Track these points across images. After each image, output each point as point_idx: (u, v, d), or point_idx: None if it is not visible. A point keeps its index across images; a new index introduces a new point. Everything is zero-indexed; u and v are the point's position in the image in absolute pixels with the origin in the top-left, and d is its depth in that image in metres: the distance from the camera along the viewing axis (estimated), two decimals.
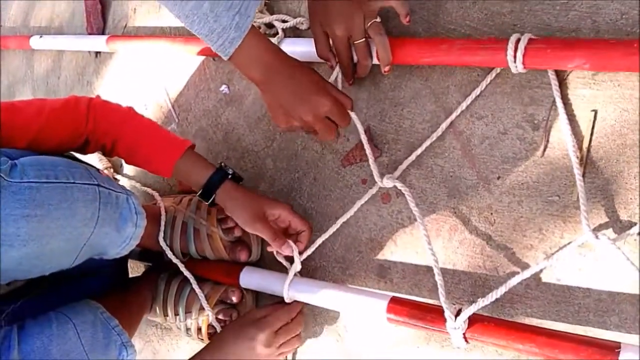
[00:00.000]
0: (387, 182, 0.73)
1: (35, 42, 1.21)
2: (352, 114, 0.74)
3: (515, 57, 0.61)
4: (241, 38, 0.65)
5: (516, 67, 0.62)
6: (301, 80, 0.69)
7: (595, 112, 0.62)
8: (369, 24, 0.68)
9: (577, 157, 0.61)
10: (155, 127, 0.82)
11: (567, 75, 0.63)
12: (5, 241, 0.58)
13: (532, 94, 0.66)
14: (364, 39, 0.70)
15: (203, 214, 0.87)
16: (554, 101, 0.63)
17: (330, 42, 0.72)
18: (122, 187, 0.76)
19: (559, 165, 0.64)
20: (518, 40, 0.61)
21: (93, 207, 0.66)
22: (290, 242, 0.78)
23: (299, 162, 0.85)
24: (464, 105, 0.69)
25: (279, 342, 0.78)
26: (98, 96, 0.81)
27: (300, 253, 0.78)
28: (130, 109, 0.82)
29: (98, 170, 0.85)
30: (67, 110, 0.75)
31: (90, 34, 1.16)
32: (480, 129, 0.69)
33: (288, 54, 0.71)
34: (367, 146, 0.74)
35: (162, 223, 0.87)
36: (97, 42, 1.08)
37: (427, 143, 0.71)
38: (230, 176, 0.79)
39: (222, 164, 0.80)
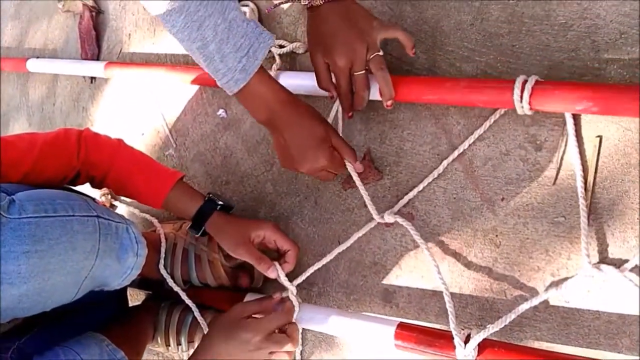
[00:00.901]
0: (388, 218, 0.72)
1: (32, 64, 1.20)
2: (350, 167, 0.74)
3: (522, 98, 0.60)
4: (246, 80, 0.64)
5: (522, 107, 0.61)
6: (302, 133, 0.69)
7: (600, 136, 0.61)
8: (371, 56, 0.67)
9: (583, 182, 0.60)
10: (145, 160, 0.82)
11: None
12: (6, 279, 0.57)
13: (533, 114, 0.65)
14: (364, 71, 0.69)
15: (204, 240, 0.86)
16: (557, 122, 0.63)
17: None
18: (121, 217, 0.75)
19: (564, 186, 0.63)
20: (524, 82, 0.60)
21: (93, 239, 0.65)
22: (276, 264, 0.77)
23: (299, 186, 0.84)
24: (466, 144, 0.69)
25: (270, 348, 0.71)
26: (87, 128, 0.80)
27: (292, 278, 0.77)
28: (121, 141, 0.82)
29: (94, 199, 0.84)
30: (58, 144, 0.75)
31: (84, 59, 1.15)
32: (483, 150, 0.69)
33: (289, 88, 0.70)
34: (362, 190, 0.74)
35: (162, 251, 0.86)
36: (95, 68, 1.08)
37: (429, 179, 0.71)
38: (219, 207, 0.79)
39: (211, 195, 0.80)
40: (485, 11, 0.69)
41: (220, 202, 0.79)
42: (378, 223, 0.74)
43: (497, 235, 0.67)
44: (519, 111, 0.62)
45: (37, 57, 1.22)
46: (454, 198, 0.70)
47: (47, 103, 1.25)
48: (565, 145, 0.63)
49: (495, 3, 0.68)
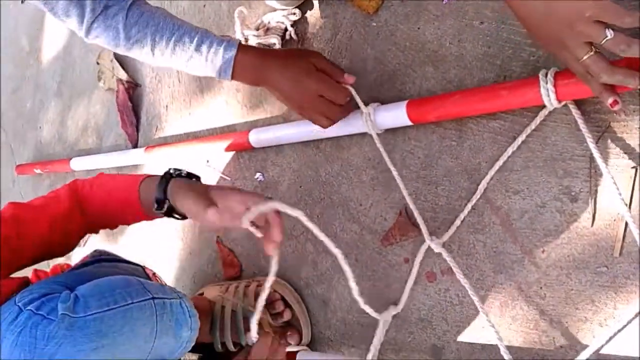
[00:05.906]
0: (435, 247, 0.74)
1: (76, 163, 1.28)
2: (351, 89, 0.78)
3: (547, 91, 0.62)
4: (230, 69, 0.75)
5: (550, 100, 0.62)
6: (289, 69, 0.75)
7: (636, 167, 0.62)
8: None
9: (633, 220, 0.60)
10: (113, 179, 0.80)
11: (599, 140, 0.64)
12: None
13: (565, 166, 0.66)
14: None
15: (251, 301, 0.89)
16: (590, 172, 0.64)
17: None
18: (173, 290, 0.78)
19: (603, 236, 0.64)
20: (546, 75, 0.63)
21: (151, 322, 0.68)
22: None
23: (338, 244, 0.85)
24: (495, 168, 0.70)
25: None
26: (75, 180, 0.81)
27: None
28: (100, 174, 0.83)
29: (144, 268, 0.87)
30: (62, 211, 0.76)
31: (124, 130, 1.22)
32: (518, 203, 0.70)
33: None
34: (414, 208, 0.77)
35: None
36: (136, 155, 1.13)
37: (469, 206, 0.73)
38: (177, 174, 0.73)
39: (171, 168, 0.74)
40: (507, 68, 0.71)
41: (183, 172, 0.74)
42: (420, 275, 0.76)
43: (541, 288, 0.68)
44: (547, 104, 0.63)
45: (79, 156, 1.30)
46: (494, 251, 0.71)
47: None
48: (597, 184, 0.64)
49: (516, 61, 0.70)
